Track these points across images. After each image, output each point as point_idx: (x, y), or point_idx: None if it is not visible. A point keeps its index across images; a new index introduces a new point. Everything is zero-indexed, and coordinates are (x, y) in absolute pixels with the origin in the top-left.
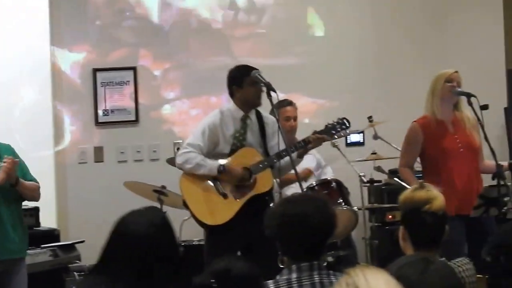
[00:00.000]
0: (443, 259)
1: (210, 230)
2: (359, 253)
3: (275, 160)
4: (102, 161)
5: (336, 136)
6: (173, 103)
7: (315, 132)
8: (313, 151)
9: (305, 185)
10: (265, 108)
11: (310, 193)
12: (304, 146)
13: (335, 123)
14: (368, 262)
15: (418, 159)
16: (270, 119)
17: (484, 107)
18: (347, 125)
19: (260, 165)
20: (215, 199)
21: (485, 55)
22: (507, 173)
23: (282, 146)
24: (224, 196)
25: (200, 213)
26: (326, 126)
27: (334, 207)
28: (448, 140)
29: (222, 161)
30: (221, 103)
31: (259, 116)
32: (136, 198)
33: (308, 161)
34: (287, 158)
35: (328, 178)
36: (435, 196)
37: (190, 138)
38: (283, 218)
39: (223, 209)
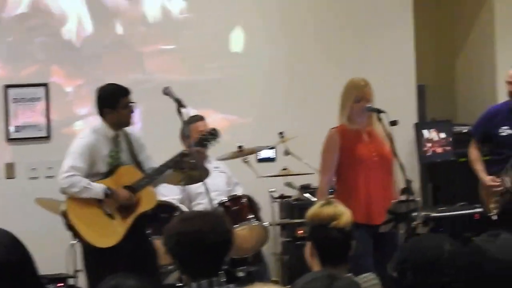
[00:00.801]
0: (350, 274)
1: (98, 252)
2: (270, 269)
3: (155, 176)
4: (13, 178)
5: (207, 147)
6: (86, 119)
7: (190, 146)
8: (224, 168)
9: None
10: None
11: (206, 210)
12: (182, 159)
13: (206, 134)
14: (279, 277)
15: None
16: (134, 135)
17: (394, 123)
18: (216, 135)
19: (142, 183)
20: (103, 221)
21: (396, 70)
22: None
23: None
24: (111, 217)
25: (91, 237)
26: (199, 138)
27: (230, 223)
28: (363, 148)
29: (103, 184)
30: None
31: (125, 132)
32: (48, 215)
33: (219, 178)
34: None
35: (239, 194)
36: (342, 212)
37: (70, 161)
38: (180, 236)
39: (113, 230)
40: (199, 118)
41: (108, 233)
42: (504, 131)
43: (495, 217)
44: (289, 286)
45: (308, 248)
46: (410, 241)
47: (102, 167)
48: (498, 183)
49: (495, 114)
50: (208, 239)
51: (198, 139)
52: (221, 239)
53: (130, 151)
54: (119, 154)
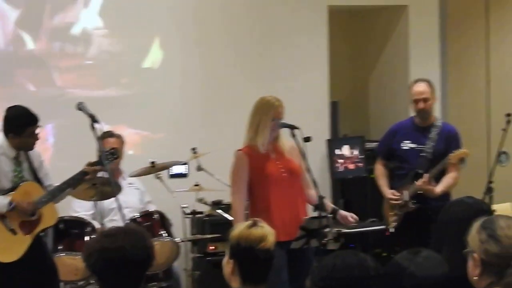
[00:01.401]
0: None
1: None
2: (181, 284)
3: (57, 193)
4: None
5: (105, 166)
6: None
7: (89, 164)
8: (139, 185)
9: None
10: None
11: (127, 226)
12: (83, 177)
13: (106, 153)
14: None
15: None
16: (35, 153)
17: (307, 139)
18: (116, 155)
19: (44, 199)
20: (5, 236)
21: (310, 86)
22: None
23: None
24: (13, 232)
25: None
26: (99, 156)
27: (151, 239)
28: (271, 166)
29: (6, 198)
30: (45, 134)
31: (25, 152)
32: None
33: (132, 195)
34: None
35: (151, 210)
36: (269, 233)
37: None
38: (102, 253)
39: (15, 246)
40: (110, 134)
41: (10, 248)
42: (406, 145)
43: (392, 230)
44: None
45: (228, 265)
46: (330, 258)
47: (7, 184)
48: (397, 197)
49: (398, 130)
50: (130, 255)
51: (99, 158)
52: (143, 256)
53: (31, 169)
54: (22, 173)
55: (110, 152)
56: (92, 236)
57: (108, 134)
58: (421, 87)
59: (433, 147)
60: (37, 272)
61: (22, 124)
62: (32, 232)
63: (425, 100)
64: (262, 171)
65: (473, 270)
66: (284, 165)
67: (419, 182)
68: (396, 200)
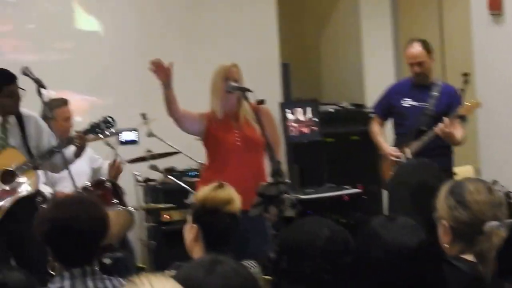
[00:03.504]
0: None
1: None
2: (136, 254)
3: (38, 161)
4: None
5: (101, 136)
6: None
7: (78, 132)
8: (87, 151)
9: None
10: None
11: (80, 196)
12: (67, 145)
13: (99, 122)
14: (145, 263)
15: None
16: (31, 119)
17: (261, 102)
18: (112, 123)
19: (24, 166)
20: None
21: (259, 48)
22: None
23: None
24: None
25: None
26: (91, 125)
27: (105, 208)
28: (227, 135)
29: None
30: None
31: (18, 117)
32: None
33: (82, 161)
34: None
35: (103, 178)
36: (235, 196)
37: None
38: (53, 223)
39: None
40: (65, 102)
41: None
42: (407, 103)
43: None
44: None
45: (190, 231)
46: (292, 225)
47: None
48: (399, 154)
49: (397, 88)
50: (82, 225)
51: (90, 126)
52: (97, 226)
53: (22, 137)
54: (6, 141)
55: (106, 120)
56: (43, 206)
57: (63, 102)
58: (415, 50)
59: (435, 104)
60: (15, 238)
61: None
62: (10, 199)
63: (419, 64)
64: (217, 139)
65: (443, 237)
66: (241, 135)
67: (439, 127)
68: (397, 157)
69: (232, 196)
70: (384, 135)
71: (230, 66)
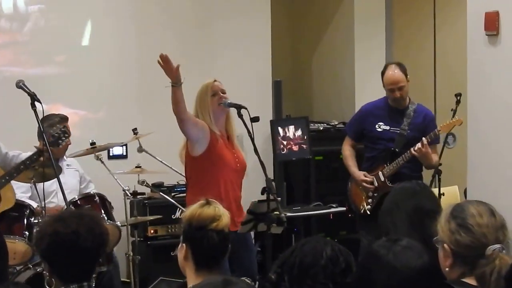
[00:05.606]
0: (244, 278)
1: None
2: (121, 269)
3: (15, 174)
4: None
5: (59, 146)
6: None
7: (43, 145)
8: (77, 166)
9: None
10: None
11: (80, 211)
12: (38, 157)
13: (59, 133)
14: (129, 278)
15: None
16: None
17: (255, 120)
18: (66, 134)
19: (3, 180)
20: None
21: (252, 65)
22: None
23: None
24: None
25: None
26: (55, 137)
27: (104, 224)
28: (228, 154)
29: None
30: None
31: None
32: None
33: (71, 176)
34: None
35: (91, 192)
36: (222, 213)
37: None
38: (54, 238)
39: None
40: (63, 119)
41: None
42: (381, 127)
43: (368, 212)
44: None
45: (180, 251)
46: (294, 245)
47: None
48: (370, 179)
49: (372, 111)
50: (84, 242)
51: (54, 139)
52: (97, 242)
53: None
54: None
55: (62, 131)
56: (31, 219)
57: (63, 118)
58: (396, 75)
59: (410, 124)
60: None
61: None
62: None
63: (400, 88)
64: (218, 154)
65: (444, 261)
66: (238, 155)
67: (416, 147)
68: (368, 182)
69: (219, 213)
70: (355, 157)
71: (212, 82)
